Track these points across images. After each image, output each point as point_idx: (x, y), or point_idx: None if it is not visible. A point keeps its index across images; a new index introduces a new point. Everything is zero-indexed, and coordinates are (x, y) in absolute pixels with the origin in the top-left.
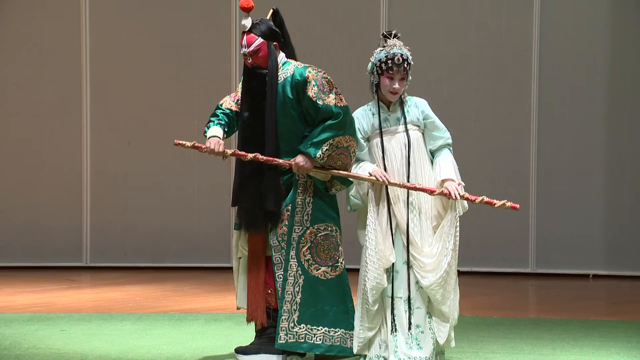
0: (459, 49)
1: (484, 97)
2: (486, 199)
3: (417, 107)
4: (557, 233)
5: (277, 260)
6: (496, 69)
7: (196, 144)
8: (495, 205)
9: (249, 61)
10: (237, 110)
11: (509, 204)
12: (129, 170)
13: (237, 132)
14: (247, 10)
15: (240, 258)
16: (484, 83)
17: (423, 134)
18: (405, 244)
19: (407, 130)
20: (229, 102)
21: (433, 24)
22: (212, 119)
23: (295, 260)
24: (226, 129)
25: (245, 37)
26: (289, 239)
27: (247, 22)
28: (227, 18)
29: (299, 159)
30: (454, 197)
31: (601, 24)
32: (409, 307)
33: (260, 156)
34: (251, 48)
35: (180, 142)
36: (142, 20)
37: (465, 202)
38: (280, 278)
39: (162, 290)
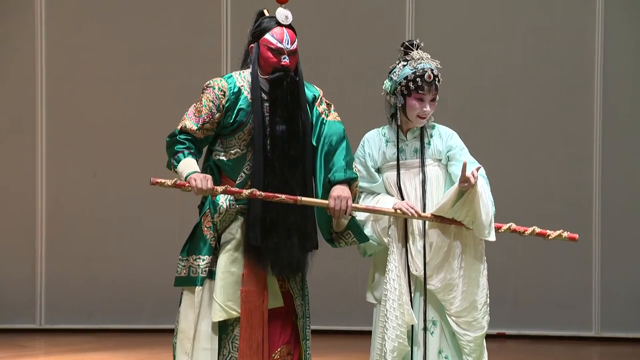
0: (502, 59)
1: (533, 116)
2: (537, 229)
3: (441, 138)
4: (628, 286)
5: (301, 314)
6: (549, 83)
7: (178, 182)
8: (550, 237)
9: (286, 61)
10: (201, 135)
11: (565, 234)
12: (94, 208)
13: (252, 157)
14: (284, 2)
15: (214, 321)
16: (533, 100)
17: (447, 168)
18: (424, 299)
19: (423, 166)
20: (190, 125)
21: (470, 30)
22: (178, 147)
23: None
24: (197, 159)
25: (286, 31)
26: (303, 285)
27: (290, 15)
28: (217, 25)
29: (339, 193)
30: (472, 181)
31: None
32: None
33: (257, 192)
34: (294, 46)
35: (158, 180)
36: (110, 28)
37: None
38: (306, 339)
39: (135, 357)
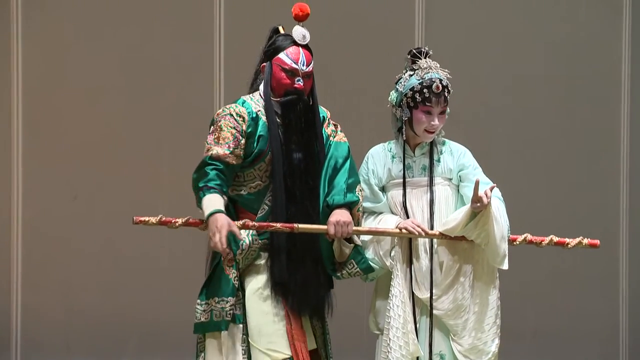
0: (519, 68)
1: (554, 132)
2: (555, 238)
3: (452, 155)
4: None
5: (324, 355)
6: (571, 94)
7: (163, 219)
8: (569, 246)
9: (300, 84)
10: (234, 161)
11: (586, 241)
12: (74, 234)
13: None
14: (302, 19)
15: None
16: (554, 114)
17: (457, 188)
18: (429, 326)
19: (431, 185)
20: (221, 150)
21: (485, 37)
22: (201, 184)
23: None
24: (224, 191)
25: (302, 51)
26: (324, 323)
27: (308, 34)
28: (209, 34)
29: (338, 218)
30: (485, 201)
31: None
32: None
33: (250, 222)
34: (309, 68)
35: (142, 218)
36: (93, 38)
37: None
38: None
39: None
